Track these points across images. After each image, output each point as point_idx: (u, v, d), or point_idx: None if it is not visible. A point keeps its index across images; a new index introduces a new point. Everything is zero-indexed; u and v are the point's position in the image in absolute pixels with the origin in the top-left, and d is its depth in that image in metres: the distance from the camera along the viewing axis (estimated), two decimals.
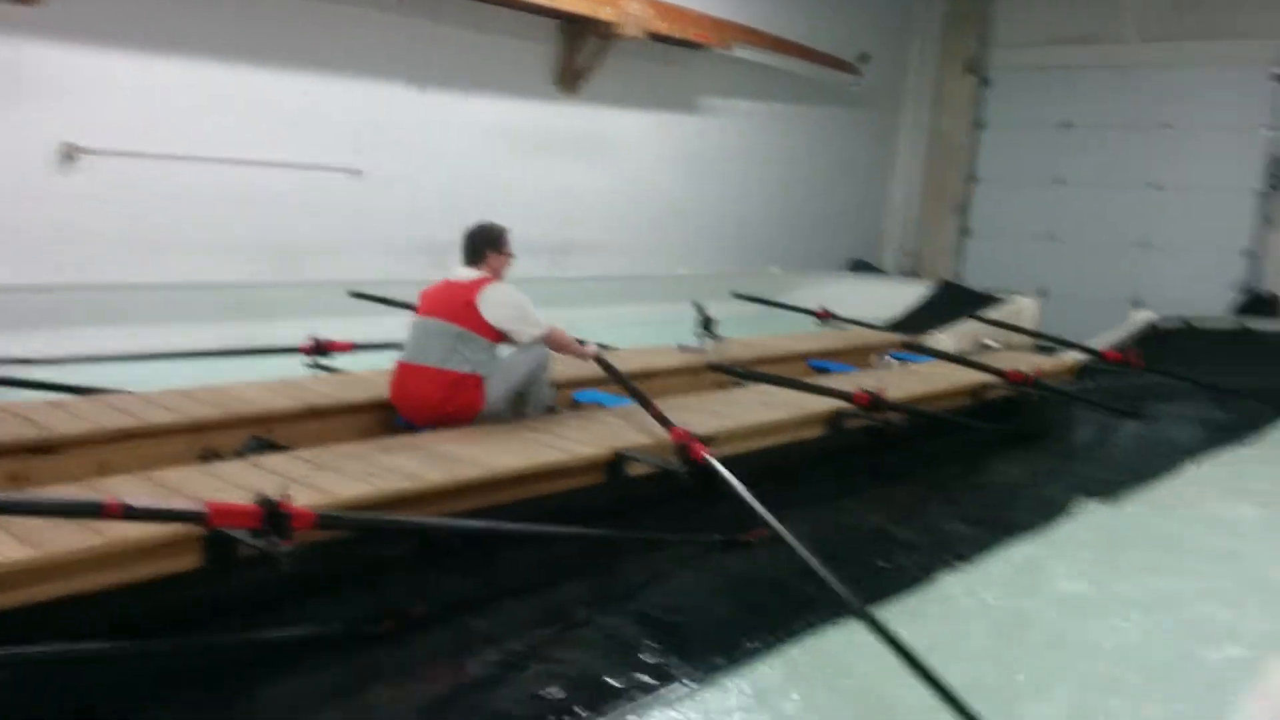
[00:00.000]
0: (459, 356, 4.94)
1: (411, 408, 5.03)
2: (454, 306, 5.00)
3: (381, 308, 6.90)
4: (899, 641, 3.22)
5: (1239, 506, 5.77)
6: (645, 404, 5.00)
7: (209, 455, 4.46)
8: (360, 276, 8.34)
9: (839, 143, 14.34)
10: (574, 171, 11.24)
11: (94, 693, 3.07)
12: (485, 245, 5.14)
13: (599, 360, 5.43)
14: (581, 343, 5.48)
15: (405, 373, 5.06)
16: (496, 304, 4.98)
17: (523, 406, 5.21)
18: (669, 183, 12.22)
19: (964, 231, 14.98)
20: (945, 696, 2.99)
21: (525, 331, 5.05)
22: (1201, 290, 12.30)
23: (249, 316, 8.09)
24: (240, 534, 3.15)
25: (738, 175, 12.98)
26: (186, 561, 3.29)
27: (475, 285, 5.03)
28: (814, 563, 3.64)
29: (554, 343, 5.20)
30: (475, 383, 4.97)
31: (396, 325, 5.65)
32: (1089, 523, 5.38)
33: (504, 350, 5.14)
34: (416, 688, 3.29)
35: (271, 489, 3.18)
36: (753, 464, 4.93)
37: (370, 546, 3.94)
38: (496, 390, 5.03)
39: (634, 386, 5.25)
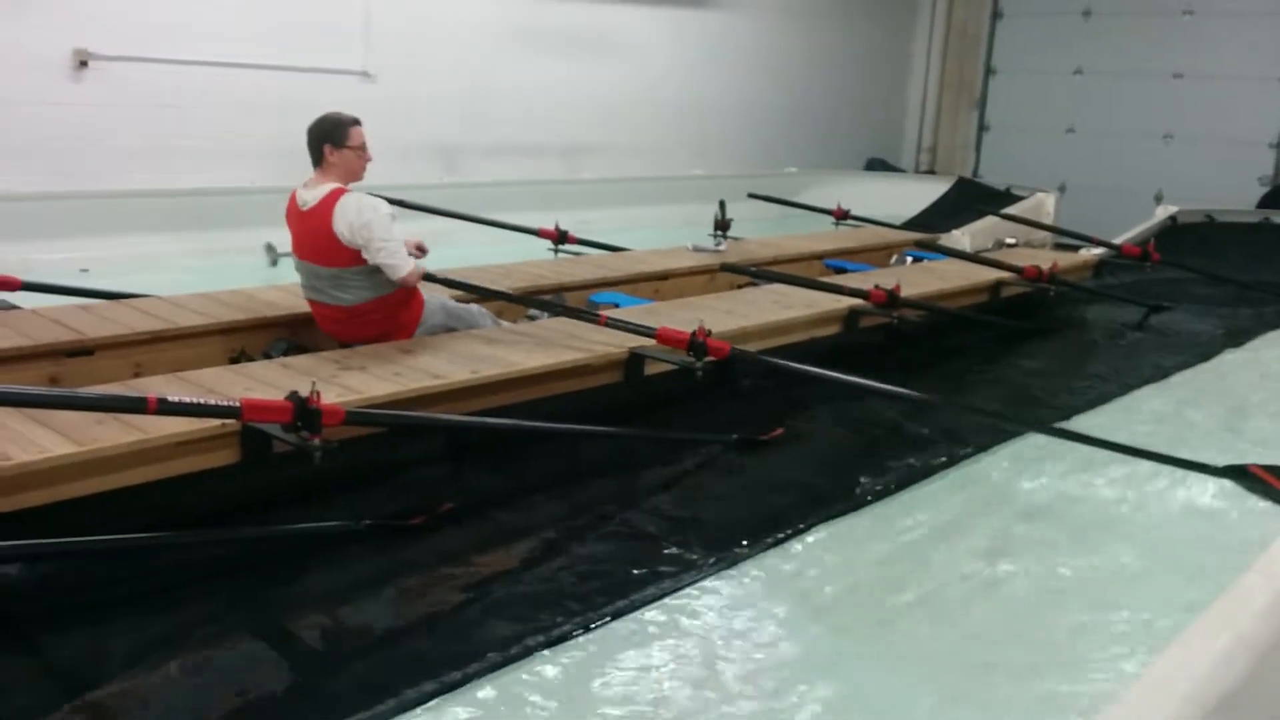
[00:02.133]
0: (354, 291, 4.43)
1: (337, 337, 4.62)
2: (316, 243, 4.37)
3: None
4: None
5: (1253, 400, 5.82)
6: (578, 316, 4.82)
7: (238, 357, 4.57)
8: (372, 181, 8.34)
9: (855, 36, 14.10)
10: (588, 71, 11.14)
11: (140, 581, 3.21)
12: (319, 141, 4.43)
13: (427, 276, 4.70)
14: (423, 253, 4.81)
15: (312, 306, 4.63)
16: (347, 225, 4.27)
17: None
18: (683, 81, 12.09)
19: (982, 126, 14.79)
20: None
21: (384, 263, 4.32)
22: (1227, 184, 12.04)
23: (263, 223, 8.11)
24: (273, 429, 3.27)
25: (753, 72, 12.82)
26: (224, 456, 3.40)
27: (327, 207, 4.31)
28: (932, 398, 4.49)
29: (407, 284, 4.50)
30: (394, 301, 4.53)
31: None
32: (1106, 415, 5.44)
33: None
34: (448, 576, 3.41)
35: (301, 388, 3.28)
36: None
37: (400, 443, 4.05)
38: (435, 310, 4.71)
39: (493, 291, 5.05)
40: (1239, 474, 2.84)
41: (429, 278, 4.72)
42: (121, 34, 7.96)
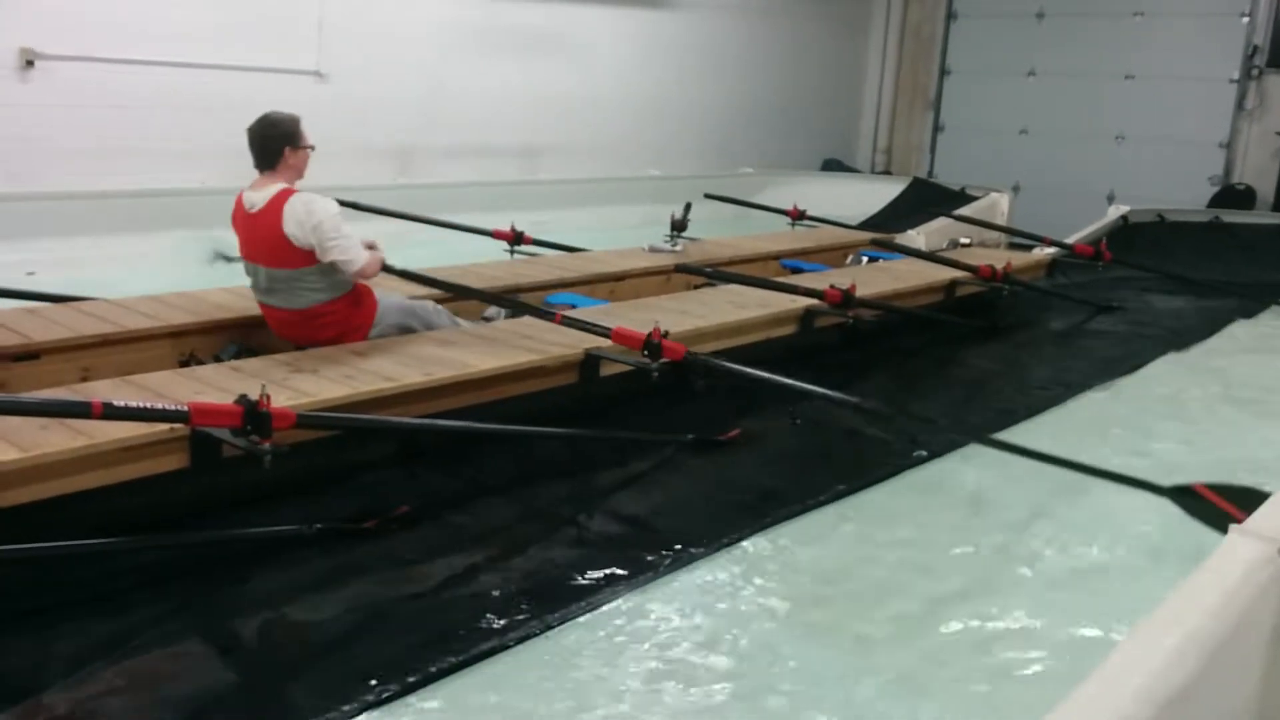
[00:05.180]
0: (306, 294, 4.38)
1: (291, 340, 4.55)
2: (269, 247, 4.30)
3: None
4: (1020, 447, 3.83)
5: (1197, 398, 5.89)
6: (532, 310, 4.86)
7: (188, 360, 4.51)
8: (326, 182, 8.18)
9: (811, 37, 14.16)
10: (544, 72, 11.10)
11: (87, 588, 3.15)
12: (280, 143, 4.34)
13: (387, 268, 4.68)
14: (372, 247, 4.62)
15: (264, 310, 4.56)
16: (297, 225, 4.23)
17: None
18: (639, 82, 12.08)
19: (937, 127, 14.91)
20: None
21: (338, 260, 4.28)
22: (1179, 183, 12.20)
23: (215, 224, 8.00)
24: (222, 433, 3.22)
25: (709, 73, 12.84)
26: (173, 461, 3.35)
27: (275, 208, 4.26)
28: (878, 406, 4.39)
29: (365, 276, 4.51)
30: (348, 302, 4.49)
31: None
32: (1058, 415, 5.49)
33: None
34: (401, 580, 3.37)
35: (252, 391, 3.23)
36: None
37: (352, 447, 4.00)
38: (389, 310, 4.65)
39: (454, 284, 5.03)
40: (1183, 495, 2.70)
41: (388, 269, 4.67)
42: (69, 33, 7.82)
